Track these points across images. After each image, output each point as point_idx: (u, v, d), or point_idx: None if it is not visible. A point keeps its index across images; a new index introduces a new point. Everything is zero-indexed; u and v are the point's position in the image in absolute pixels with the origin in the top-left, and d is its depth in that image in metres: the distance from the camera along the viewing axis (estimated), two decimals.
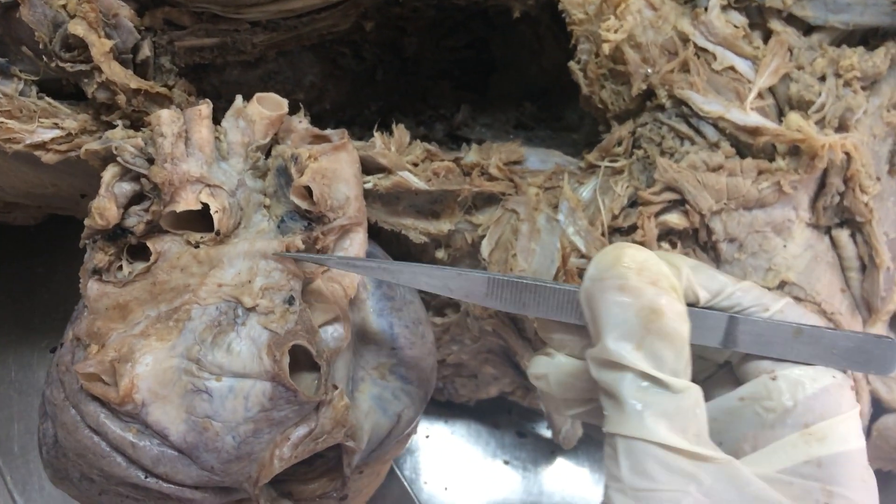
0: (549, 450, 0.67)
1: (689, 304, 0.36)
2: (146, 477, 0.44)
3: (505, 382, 0.62)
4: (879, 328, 0.52)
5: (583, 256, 0.49)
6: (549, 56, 0.67)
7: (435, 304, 0.57)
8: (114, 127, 0.49)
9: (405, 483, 0.64)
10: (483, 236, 0.52)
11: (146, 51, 0.49)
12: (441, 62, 0.65)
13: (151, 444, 0.44)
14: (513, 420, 0.68)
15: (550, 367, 0.40)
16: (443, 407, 0.67)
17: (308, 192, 0.47)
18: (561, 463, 0.67)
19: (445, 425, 0.68)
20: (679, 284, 0.35)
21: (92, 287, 0.47)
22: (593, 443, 0.65)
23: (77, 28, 0.46)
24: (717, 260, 0.52)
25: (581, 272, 0.49)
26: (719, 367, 0.40)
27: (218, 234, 0.47)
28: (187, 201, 0.46)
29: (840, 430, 0.34)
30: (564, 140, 0.67)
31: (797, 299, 0.51)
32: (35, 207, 0.63)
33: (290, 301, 0.45)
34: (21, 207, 0.64)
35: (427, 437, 0.67)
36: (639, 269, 0.34)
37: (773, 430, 0.35)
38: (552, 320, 0.39)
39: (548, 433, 0.68)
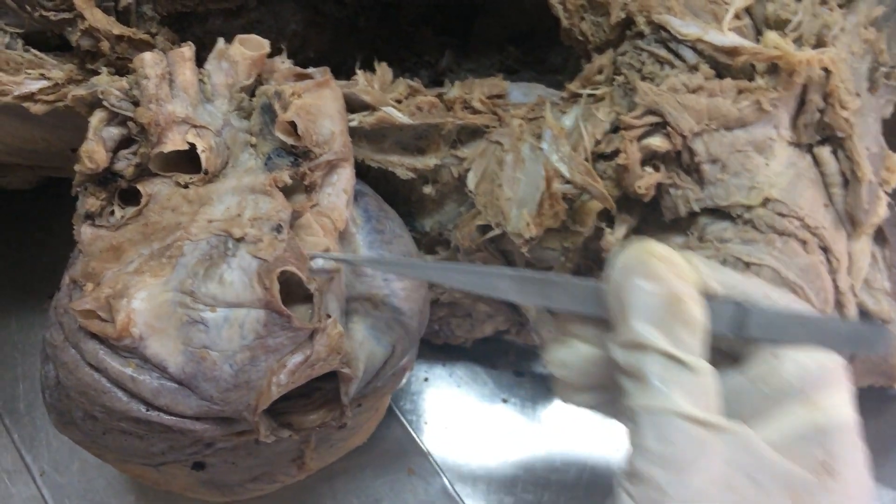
0: (547, 388, 0.68)
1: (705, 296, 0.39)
2: (147, 410, 0.45)
3: (499, 320, 0.63)
4: (864, 242, 0.53)
5: (567, 182, 0.50)
6: None
7: (426, 242, 0.58)
8: (99, 75, 0.50)
9: (406, 423, 0.65)
10: (469, 169, 0.53)
11: None
12: (422, 7, 0.66)
13: (151, 377, 0.45)
14: (510, 361, 0.69)
15: (569, 355, 0.43)
16: (441, 350, 0.68)
17: (293, 128, 0.47)
18: (558, 401, 0.68)
19: (444, 368, 0.69)
20: (697, 277, 0.39)
21: (85, 231, 0.48)
22: None
23: None
24: (700, 182, 0.52)
25: (566, 197, 0.50)
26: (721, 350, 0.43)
27: (206, 173, 0.47)
28: (174, 142, 0.47)
29: (838, 401, 0.38)
30: (549, 81, 0.67)
31: (780, 215, 0.51)
32: (28, 169, 0.64)
33: (279, 229, 0.45)
34: (15, 169, 0.64)
35: (426, 379, 0.68)
36: (663, 261, 0.38)
37: (778, 404, 0.38)
38: (573, 314, 0.42)
39: (545, 371, 0.69)
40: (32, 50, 0.50)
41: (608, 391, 0.42)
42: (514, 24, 0.69)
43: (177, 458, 0.51)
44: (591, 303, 0.41)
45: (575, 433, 0.67)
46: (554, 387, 0.44)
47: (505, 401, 0.68)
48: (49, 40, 0.52)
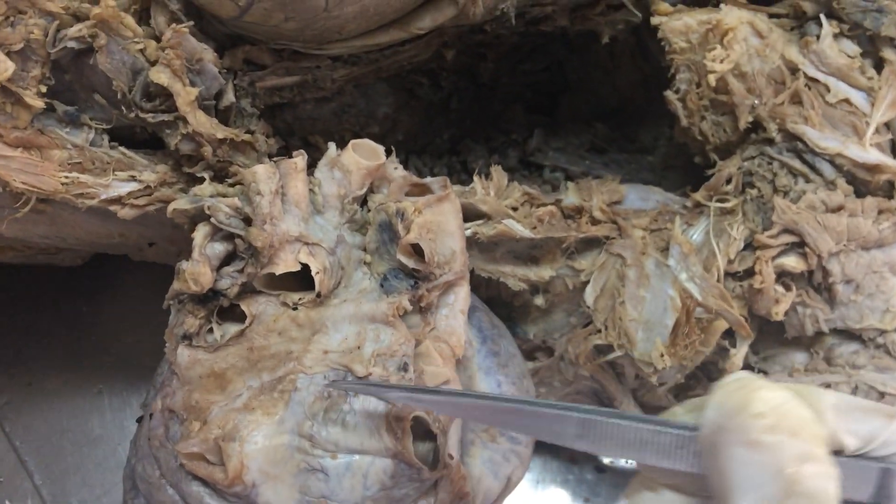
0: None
1: (835, 453, 0.31)
2: None
3: None
4: None
5: (699, 305, 0.47)
6: (623, 75, 0.64)
7: (526, 349, 0.55)
8: (197, 179, 0.46)
9: None
10: (585, 282, 0.50)
11: (230, 96, 0.46)
12: (515, 86, 0.62)
13: None
14: (590, 455, 0.66)
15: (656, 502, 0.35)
16: None
17: (415, 250, 0.44)
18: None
19: None
20: (822, 432, 0.31)
21: (182, 354, 0.44)
22: None
23: (160, 76, 0.42)
24: (831, 301, 0.49)
25: (700, 323, 0.47)
26: None
27: (318, 295, 0.43)
28: (287, 263, 0.43)
29: None
30: (640, 162, 0.64)
31: None
32: (87, 250, 0.60)
33: (405, 368, 0.42)
34: (70, 250, 0.60)
35: None
36: (773, 416, 0.30)
37: None
38: (660, 468, 0.33)
39: (627, 467, 0.66)
40: (120, 148, 0.46)
41: None
42: (602, 101, 0.66)
43: None
44: (684, 457, 0.32)
45: None
46: None
47: (587, 500, 0.64)
48: (136, 135, 0.47)
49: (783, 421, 0.30)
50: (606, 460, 0.66)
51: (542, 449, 0.66)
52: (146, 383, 0.54)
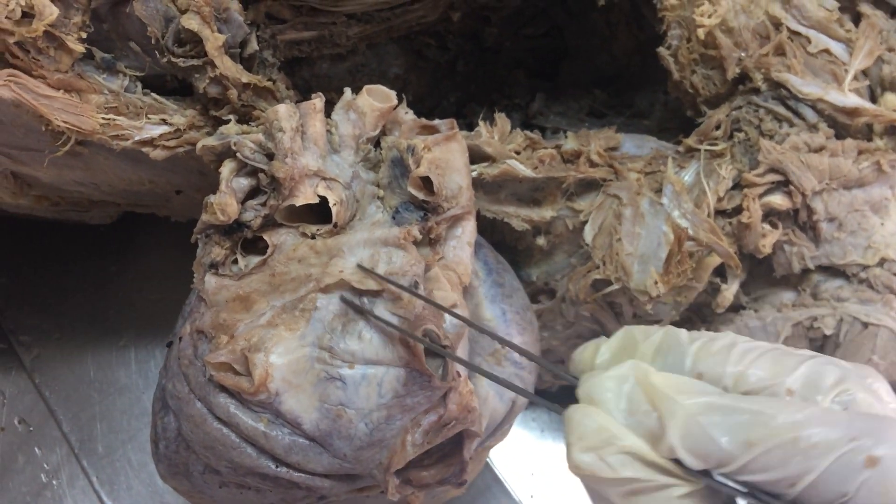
0: None
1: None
2: (277, 466, 0.45)
3: None
4: None
5: (690, 239, 0.50)
6: (619, 43, 0.68)
7: (529, 292, 0.58)
8: (223, 122, 0.49)
9: (493, 468, 0.65)
10: (584, 222, 0.53)
11: (254, 45, 0.49)
12: (518, 51, 0.66)
13: (283, 433, 0.44)
14: None
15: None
16: None
17: (424, 183, 0.47)
18: None
19: (526, 412, 0.68)
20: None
21: (209, 281, 0.47)
22: None
23: (191, 22, 0.46)
24: (816, 240, 0.52)
25: (692, 255, 0.50)
26: None
27: (335, 226, 0.47)
28: (306, 195, 0.46)
29: None
30: (637, 126, 0.68)
31: None
32: (114, 205, 0.63)
33: (416, 286, 0.45)
34: (101, 206, 0.63)
35: None
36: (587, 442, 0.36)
37: None
38: None
39: None
40: (152, 94, 0.50)
41: None
42: (600, 68, 0.70)
43: None
44: None
45: None
46: None
47: None
48: (167, 83, 0.51)
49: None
50: None
51: (549, 400, 0.69)
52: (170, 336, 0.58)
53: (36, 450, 0.65)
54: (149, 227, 0.70)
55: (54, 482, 0.64)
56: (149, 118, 0.49)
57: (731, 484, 0.33)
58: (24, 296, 0.69)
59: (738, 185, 0.51)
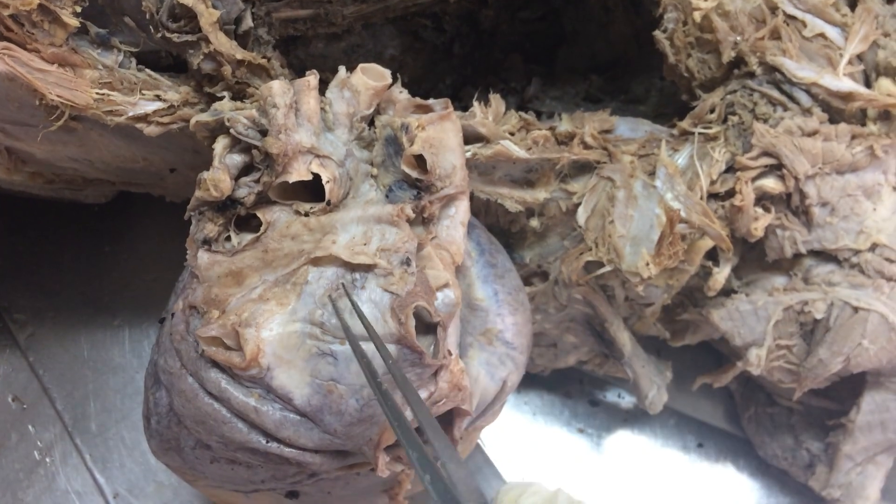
0: (622, 417, 0.68)
1: None
2: (267, 441, 0.45)
3: (583, 351, 0.63)
4: None
5: (683, 221, 0.50)
6: (616, 29, 0.68)
7: (523, 274, 0.58)
8: (217, 98, 0.49)
9: (483, 449, 0.65)
10: (578, 204, 0.53)
11: (248, 21, 0.49)
12: (514, 35, 0.66)
13: (274, 408, 0.44)
14: (584, 389, 0.69)
15: None
16: None
17: (418, 161, 0.47)
18: (635, 430, 0.68)
19: (518, 395, 0.69)
20: None
21: (202, 257, 0.47)
22: (667, 410, 0.66)
23: None
24: (808, 224, 0.53)
25: (684, 237, 0.50)
26: None
27: (328, 203, 0.47)
28: (299, 172, 0.46)
29: None
30: (632, 112, 0.68)
31: (889, 261, 0.52)
32: (109, 184, 0.63)
33: (408, 262, 0.45)
34: (95, 184, 0.63)
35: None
36: None
37: None
38: None
39: (620, 401, 0.69)
40: (147, 70, 0.50)
41: None
42: (597, 53, 0.70)
43: (274, 487, 0.50)
44: None
45: (650, 463, 0.67)
46: None
47: (581, 430, 0.68)
48: (161, 60, 0.51)
49: None
50: (599, 395, 0.69)
51: (540, 384, 0.69)
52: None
53: (29, 427, 0.65)
54: (144, 207, 0.70)
55: (47, 459, 0.64)
56: (143, 94, 0.49)
57: None
58: (18, 275, 0.69)
59: (731, 169, 0.52)
